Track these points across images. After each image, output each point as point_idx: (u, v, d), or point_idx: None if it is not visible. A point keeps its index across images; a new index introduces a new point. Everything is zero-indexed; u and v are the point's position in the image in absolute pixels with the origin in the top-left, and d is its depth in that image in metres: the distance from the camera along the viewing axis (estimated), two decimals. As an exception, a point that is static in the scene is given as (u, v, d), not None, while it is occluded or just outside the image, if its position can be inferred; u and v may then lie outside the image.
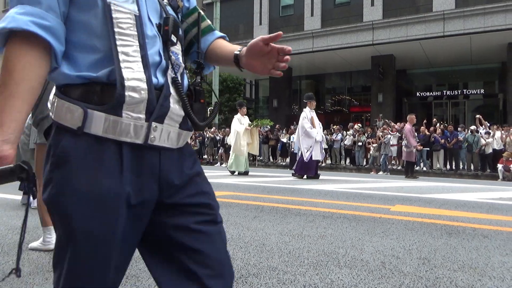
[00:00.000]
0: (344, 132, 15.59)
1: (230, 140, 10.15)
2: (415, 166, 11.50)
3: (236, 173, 9.72)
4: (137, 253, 2.50)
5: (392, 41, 18.06)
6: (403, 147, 10.99)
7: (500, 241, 3.08)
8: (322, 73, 24.43)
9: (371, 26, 18.44)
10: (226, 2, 22.83)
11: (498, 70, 20.69)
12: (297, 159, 9.14)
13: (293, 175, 9.08)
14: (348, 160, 15.39)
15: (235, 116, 10.01)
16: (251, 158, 14.66)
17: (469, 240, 3.10)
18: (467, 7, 16.36)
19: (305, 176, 8.76)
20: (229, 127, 19.40)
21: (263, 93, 27.53)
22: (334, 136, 15.38)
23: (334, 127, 16.20)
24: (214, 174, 9.94)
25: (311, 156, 8.52)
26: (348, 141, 14.95)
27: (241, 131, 9.57)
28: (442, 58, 20.12)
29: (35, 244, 2.80)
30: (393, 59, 20.01)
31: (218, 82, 20.12)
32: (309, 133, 8.53)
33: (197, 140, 17.05)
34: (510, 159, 11.47)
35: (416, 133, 11.15)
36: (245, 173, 9.66)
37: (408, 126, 10.57)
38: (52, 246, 2.76)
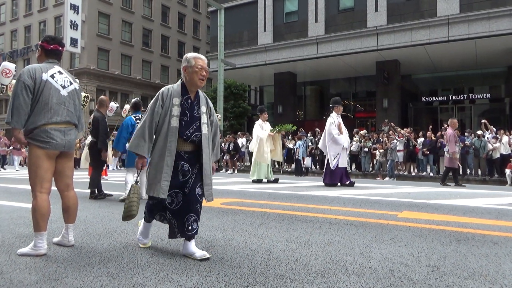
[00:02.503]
0: (349, 138, 15.54)
1: (252, 147, 9.60)
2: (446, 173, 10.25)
3: (255, 180, 9.23)
4: (143, 260, 2.48)
5: (396, 46, 18.05)
6: (445, 153, 10.23)
7: (511, 248, 3.04)
8: (326, 79, 24.45)
9: (375, 32, 18.45)
10: (230, 9, 22.98)
11: (504, 74, 20.58)
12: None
13: (326, 185, 8.32)
14: (354, 166, 15.33)
15: (256, 122, 9.53)
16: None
17: (478, 247, 3.06)
18: (472, 12, 16.33)
19: (338, 184, 8.24)
20: (235, 133, 19.45)
21: (267, 99, 27.58)
22: (339, 142, 15.33)
23: (339, 132, 16.15)
24: (220, 181, 9.93)
25: (338, 164, 8.10)
26: (354, 147, 14.90)
27: (264, 137, 9.10)
28: (447, 63, 20.05)
29: (25, 249, 2.78)
30: (397, 64, 19.98)
31: (222, 88, 20.17)
32: (337, 139, 8.13)
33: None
34: (518, 164, 11.35)
35: (457, 138, 10.04)
36: (275, 181, 9.19)
37: (450, 130, 9.74)
38: (43, 251, 2.75)
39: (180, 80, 2.90)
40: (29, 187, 2.92)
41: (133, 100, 6.60)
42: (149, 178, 2.77)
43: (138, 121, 6.05)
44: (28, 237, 3.30)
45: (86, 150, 11.13)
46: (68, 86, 2.97)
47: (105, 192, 6.33)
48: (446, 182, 9.68)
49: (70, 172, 3.05)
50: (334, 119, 8.30)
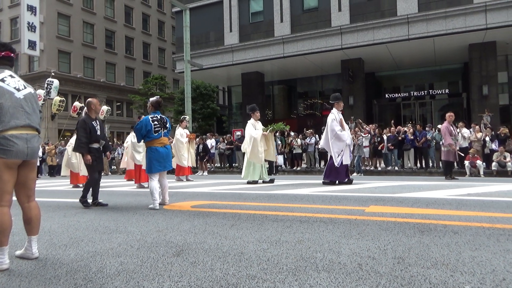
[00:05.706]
0: (318, 135, 15.80)
1: (245, 147, 9.14)
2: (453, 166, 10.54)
3: (250, 181, 8.80)
4: (112, 269, 2.40)
5: (360, 45, 18.54)
6: (441, 146, 10.29)
7: (470, 236, 3.20)
8: (294, 78, 24.74)
9: (339, 31, 18.86)
10: (195, 10, 22.80)
11: (461, 70, 21.60)
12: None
13: (324, 183, 8.04)
14: (322, 163, 15.60)
15: (248, 121, 9.15)
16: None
17: (440, 237, 3.20)
18: (430, 11, 17.03)
19: (336, 182, 7.98)
20: (204, 134, 19.30)
21: (236, 99, 27.56)
22: (307, 140, 15.58)
23: (307, 131, 16.40)
24: (189, 183, 9.84)
25: (342, 161, 7.87)
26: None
27: (258, 137, 8.72)
28: (408, 60, 20.80)
29: None
30: (361, 63, 20.51)
31: (190, 89, 19.98)
32: (340, 136, 7.85)
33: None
34: (476, 155, 11.95)
35: (452, 131, 9.85)
36: (270, 181, 8.82)
37: (444, 124, 9.80)
38: (5, 266, 2.63)
39: None
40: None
41: (154, 99, 5.71)
42: None
43: (156, 122, 5.43)
44: (-12, 251, 3.14)
45: (66, 157, 10.66)
46: (23, 89, 2.84)
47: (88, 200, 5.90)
48: (453, 176, 9.75)
49: (32, 184, 2.90)
50: (335, 116, 8.02)
